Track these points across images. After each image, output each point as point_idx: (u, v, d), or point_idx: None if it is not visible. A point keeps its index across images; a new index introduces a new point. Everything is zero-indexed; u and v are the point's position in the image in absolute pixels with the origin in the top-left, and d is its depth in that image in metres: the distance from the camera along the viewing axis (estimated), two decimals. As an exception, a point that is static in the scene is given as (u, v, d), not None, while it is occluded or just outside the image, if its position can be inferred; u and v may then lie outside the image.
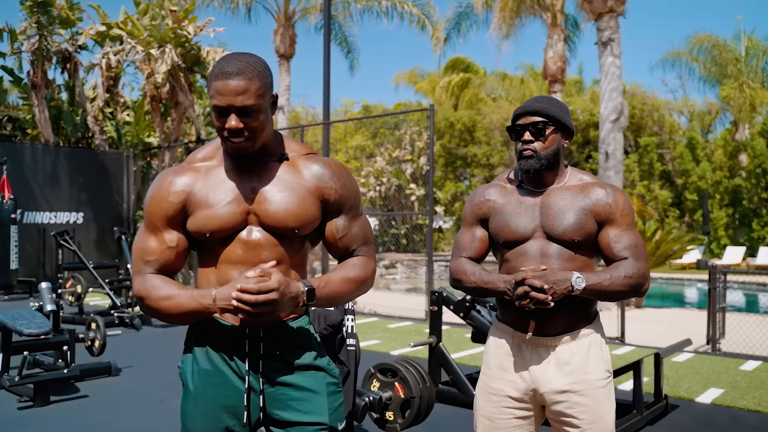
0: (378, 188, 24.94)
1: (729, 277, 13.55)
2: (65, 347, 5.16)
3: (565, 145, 2.17)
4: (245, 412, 1.73)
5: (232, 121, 1.65)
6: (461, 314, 4.68)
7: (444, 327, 8.46)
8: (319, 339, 1.87)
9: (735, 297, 14.75)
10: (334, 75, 33.73)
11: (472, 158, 27.20)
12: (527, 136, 2.12)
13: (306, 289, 1.69)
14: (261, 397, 1.73)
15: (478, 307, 4.67)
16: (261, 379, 1.73)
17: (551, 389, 2.09)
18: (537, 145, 2.12)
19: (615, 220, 2.10)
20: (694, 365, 6.37)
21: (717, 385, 5.53)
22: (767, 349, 7.26)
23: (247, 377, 1.73)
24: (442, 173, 27.61)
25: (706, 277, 8.67)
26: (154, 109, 14.89)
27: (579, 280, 1.98)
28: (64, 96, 16.00)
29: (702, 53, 25.49)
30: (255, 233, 1.74)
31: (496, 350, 2.21)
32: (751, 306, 14.00)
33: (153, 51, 13.72)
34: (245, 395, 1.73)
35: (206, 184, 1.75)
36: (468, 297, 4.67)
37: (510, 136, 2.20)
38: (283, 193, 1.74)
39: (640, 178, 24.20)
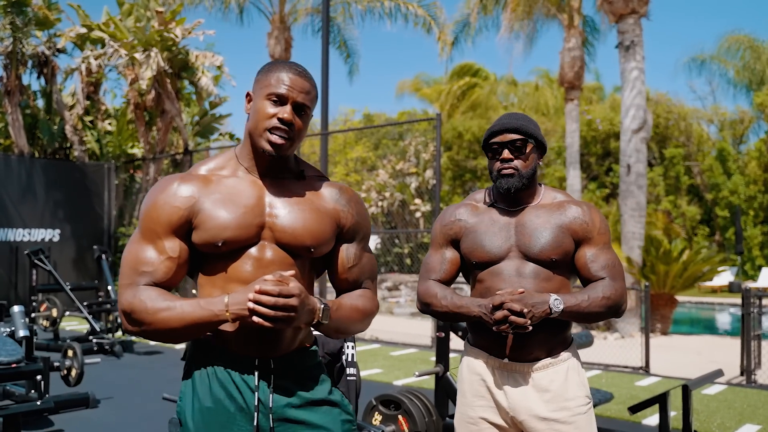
0: (380, 203, 24.99)
1: (765, 302, 13.51)
2: (39, 377, 5.14)
3: (540, 163, 2.29)
4: None
5: (285, 113, 1.73)
6: (471, 341, 4.67)
7: (452, 354, 8.42)
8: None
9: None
10: (333, 81, 33.96)
11: (482, 171, 27.25)
12: (506, 154, 2.23)
13: (323, 306, 1.70)
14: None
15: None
16: (271, 416, 1.72)
17: (532, 416, 2.17)
18: (518, 163, 2.23)
19: (592, 239, 2.22)
20: (728, 398, 6.34)
21: (753, 421, 5.50)
22: (806, 381, 7.22)
23: (256, 415, 1.71)
24: (450, 187, 27.66)
25: (739, 301, 8.67)
26: (138, 118, 14.97)
27: (557, 302, 2.09)
28: (41, 103, 16.10)
29: (734, 56, 25.55)
30: (267, 250, 1.76)
31: (470, 377, 2.29)
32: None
33: (137, 55, 13.82)
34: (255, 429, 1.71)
35: (218, 193, 1.76)
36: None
37: (486, 155, 2.30)
38: (300, 210, 1.79)
39: (665, 192, 24.23)
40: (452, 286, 2.41)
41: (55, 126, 15.75)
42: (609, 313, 2.16)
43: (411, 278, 21.26)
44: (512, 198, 2.29)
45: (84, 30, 14.85)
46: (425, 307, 2.31)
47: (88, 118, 16.45)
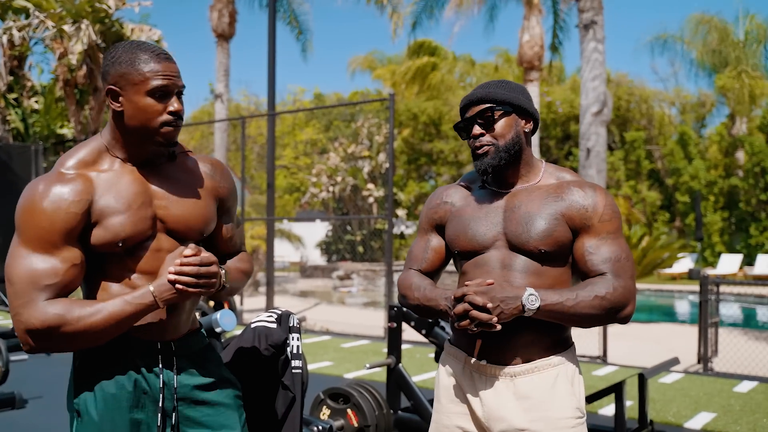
0: (331, 188, 24.96)
1: (723, 289, 13.85)
2: (-39, 374, 5.06)
3: (527, 131, 2.06)
4: None
5: (175, 105, 1.78)
6: (423, 331, 4.72)
7: (405, 346, 8.50)
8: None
9: (730, 310, 15.15)
10: (282, 59, 33.66)
11: (438, 155, 27.43)
12: (476, 129, 2.03)
13: (223, 270, 1.83)
14: (174, 414, 1.84)
15: (443, 323, 4.72)
16: (175, 397, 1.84)
17: (507, 427, 1.97)
18: (490, 137, 2.02)
19: (592, 227, 1.97)
20: (684, 387, 6.53)
21: (708, 409, 5.69)
22: (764, 369, 7.50)
23: (161, 396, 1.81)
24: (404, 171, 27.77)
25: (698, 288, 8.85)
26: (68, 96, 14.66)
27: (532, 299, 1.85)
28: (-41, 79, 15.64)
29: (699, 36, 25.96)
30: (162, 241, 1.83)
31: (447, 380, 2.12)
32: (748, 321, 14.41)
33: (66, 27, 13.52)
34: (159, 415, 1.81)
35: (103, 191, 1.78)
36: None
37: (460, 136, 2.12)
38: (185, 194, 1.88)
39: (626, 177, 24.71)
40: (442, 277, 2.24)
41: (-24, 104, 15.34)
42: (604, 317, 1.91)
43: (363, 267, 21.33)
44: (500, 178, 2.08)
45: (7, -1, 14.46)
46: (402, 299, 2.16)
47: (11, 96, 16.05)
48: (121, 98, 1.77)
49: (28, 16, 14.27)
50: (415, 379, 6.50)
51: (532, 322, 1.92)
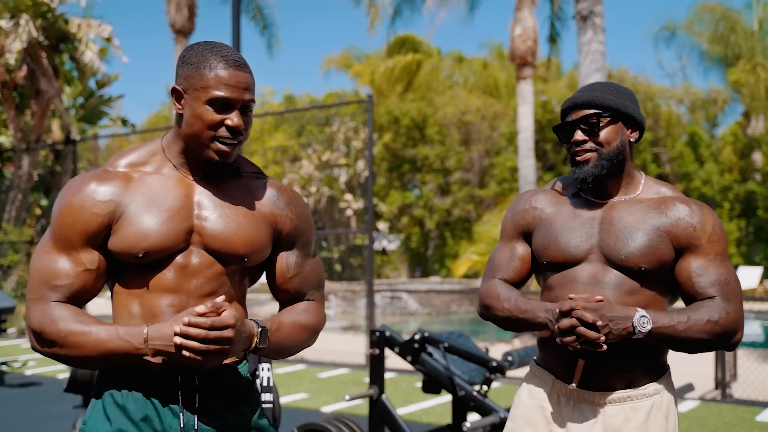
0: (305, 200, 24.90)
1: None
2: None
3: (632, 140, 2.13)
4: None
5: (234, 120, 1.76)
6: (409, 358, 4.71)
7: (388, 375, 8.48)
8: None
9: (750, 330, 15.26)
10: (248, 57, 33.59)
11: (423, 161, 27.52)
12: (579, 135, 2.09)
13: (260, 329, 1.75)
14: None
15: (430, 349, 4.71)
16: None
17: None
18: (594, 144, 2.08)
19: (700, 247, 2.03)
20: (700, 416, 6.56)
21: (727, 439, 5.71)
22: (788, 393, 7.54)
23: None
24: (386, 180, 27.84)
25: (713, 305, 8.89)
26: (5, 100, 14.59)
27: (644, 320, 1.91)
28: None
29: (707, 26, 26.21)
30: (194, 256, 1.79)
31: (528, 401, 2.18)
32: (770, 340, 14.48)
33: (3, 23, 13.48)
34: None
35: (140, 194, 1.78)
36: (417, 337, 4.71)
37: (558, 139, 2.17)
38: (233, 213, 1.83)
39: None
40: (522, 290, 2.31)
41: None
42: (715, 342, 1.97)
43: (341, 287, 21.31)
44: (599, 188, 2.14)
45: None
46: (485, 311, 2.20)
47: (-57, 100, 15.95)
48: (183, 101, 1.78)
49: (-40, 11, 14.23)
50: (401, 411, 6.49)
51: (628, 344, 1.98)
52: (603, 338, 1.88)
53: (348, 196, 24.18)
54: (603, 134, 2.07)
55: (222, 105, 1.74)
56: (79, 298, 1.75)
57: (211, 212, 1.81)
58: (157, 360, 1.69)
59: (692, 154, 24.78)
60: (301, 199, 1.98)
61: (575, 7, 11.79)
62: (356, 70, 32.71)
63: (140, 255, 1.74)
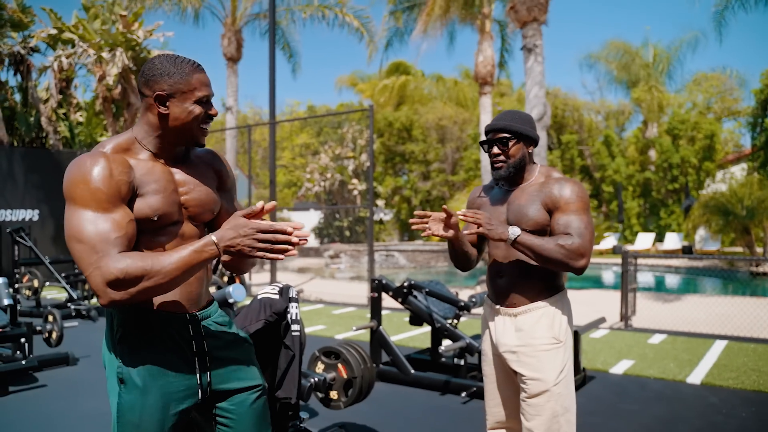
0: (322, 183, 24.87)
1: (640, 261, 14.08)
2: (23, 339, 5.01)
3: (530, 151, 2.32)
4: (199, 391, 1.75)
5: (213, 110, 1.75)
6: (399, 299, 4.74)
7: (384, 312, 8.54)
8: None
9: (645, 278, 15.33)
10: (280, 77, 33.38)
11: (410, 155, 27.39)
12: (495, 149, 2.30)
13: None
14: (208, 374, 1.77)
15: (415, 292, 4.74)
16: (207, 359, 1.77)
17: (506, 349, 2.33)
18: (504, 157, 2.30)
19: (559, 207, 2.21)
20: (609, 340, 6.61)
21: (628, 357, 5.77)
22: (672, 324, 7.60)
23: (196, 359, 1.75)
24: (382, 169, 27.70)
25: (620, 261, 8.90)
26: (106, 110, 14.47)
27: (515, 230, 2.17)
28: (18, 97, 15.38)
29: (615, 57, 26.24)
30: (185, 225, 1.76)
31: (483, 320, 2.48)
32: (659, 286, 14.58)
33: (104, 54, 13.34)
34: (197, 375, 1.75)
35: (142, 173, 1.68)
36: (406, 284, 4.74)
37: (482, 148, 2.38)
38: (200, 182, 1.80)
39: (562, 172, 24.78)
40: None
41: (31, 118, 15.09)
42: (562, 263, 2.14)
43: (350, 247, 21.29)
44: (509, 181, 2.35)
45: (55, 31, 14.25)
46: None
47: (61, 111, 15.82)
48: (168, 103, 1.68)
49: (73, 46, 14.07)
50: (393, 338, 6.54)
51: (524, 275, 2.27)
52: (482, 229, 2.17)
53: (354, 181, 24.07)
54: (511, 150, 2.30)
55: (207, 101, 1.73)
56: (131, 247, 1.59)
57: (189, 186, 1.76)
58: (167, 305, 1.70)
59: (606, 150, 24.67)
60: (222, 155, 1.95)
61: (522, 41, 11.70)
62: (360, 88, 32.43)
63: (155, 218, 1.66)
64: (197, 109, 1.72)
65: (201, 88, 1.71)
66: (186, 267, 1.54)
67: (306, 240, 1.59)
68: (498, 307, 2.36)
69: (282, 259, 1.52)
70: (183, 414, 1.72)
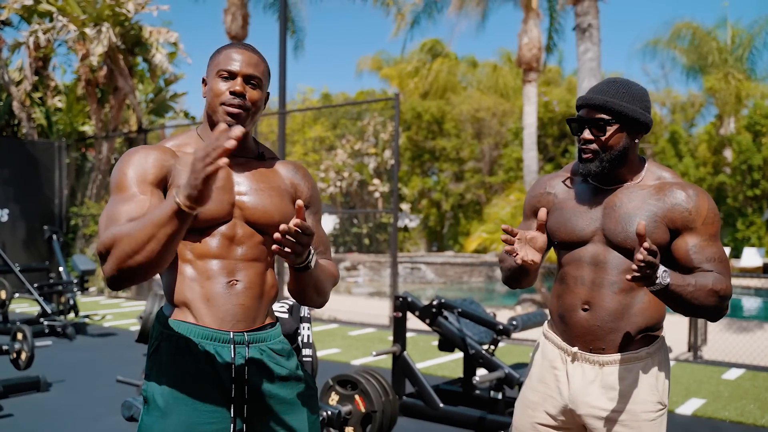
0: (339, 184, 24.94)
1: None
2: (-12, 359, 5.06)
3: (637, 141, 2.00)
4: (231, 426, 1.71)
5: (237, 86, 1.76)
6: (427, 321, 4.72)
7: (409, 334, 8.50)
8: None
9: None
10: (291, 60, 33.61)
11: (441, 152, 27.38)
12: (587, 134, 1.98)
13: (312, 252, 1.72)
14: (244, 409, 1.73)
15: (446, 313, 4.71)
16: (246, 389, 1.73)
17: (590, 413, 2.02)
18: (596, 146, 1.98)
19: (695, 229, 1.94)
20: (675, 374, 6.52)
21: (698, 395, 5.68)
22: (751, 357, 7.47)
23: (232, 388, 1.71)
24: (409, 168, 27.73)
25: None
26: (89, 95, 14.66)
27: (665, 275, 1.78)
28: (-15, 78, 15.65)
29: (683, 41, 26.04)
30: (238, 228, 1.77)
31: (541, 360, 2.15)
32: (735, 311, 14.36)
33: (88, 30, 13.51)
34: (231, 408, 1.71)
35: (187, 166, 1.74)
36: (434, 303, 4.71)
37: (569, 129, 2.05)
38: (265, 188, 1.83)
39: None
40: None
41: (1, 102, 15.33)
42: (711, 310, 1.90)
43: (369, 258, 21.32)
44: (603, 178, 2.04)
45: (30, 2, 14.42)
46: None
47: (36, 95, 16.05)
48: (206, 86, 1.82)
49: (52, 20, 14.24)
50: (419, 366, 6.50)
51: (626, 313, 1.98)
52: (638, 268, 1.73)
53: (376, 181, 24.11)
54: (609, 138, 1.96)
55: (228, 75, 1.77)
56: None
57: (247, 188, 1.81)
58: (206, 320, 1.70)
59: (672, 149, 24.48)
60: (310, 175, 1.99)
61: (575, 20, 11.63)
62: (385, 73, 32.50)
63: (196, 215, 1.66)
64: (218, 85, 1.77)
65: (226, 62, 1.77)
66: (152, 227, 1.48)
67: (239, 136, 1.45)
68: (576, 350, 2.04)
69: (222, 166, 1.41)
70: None
